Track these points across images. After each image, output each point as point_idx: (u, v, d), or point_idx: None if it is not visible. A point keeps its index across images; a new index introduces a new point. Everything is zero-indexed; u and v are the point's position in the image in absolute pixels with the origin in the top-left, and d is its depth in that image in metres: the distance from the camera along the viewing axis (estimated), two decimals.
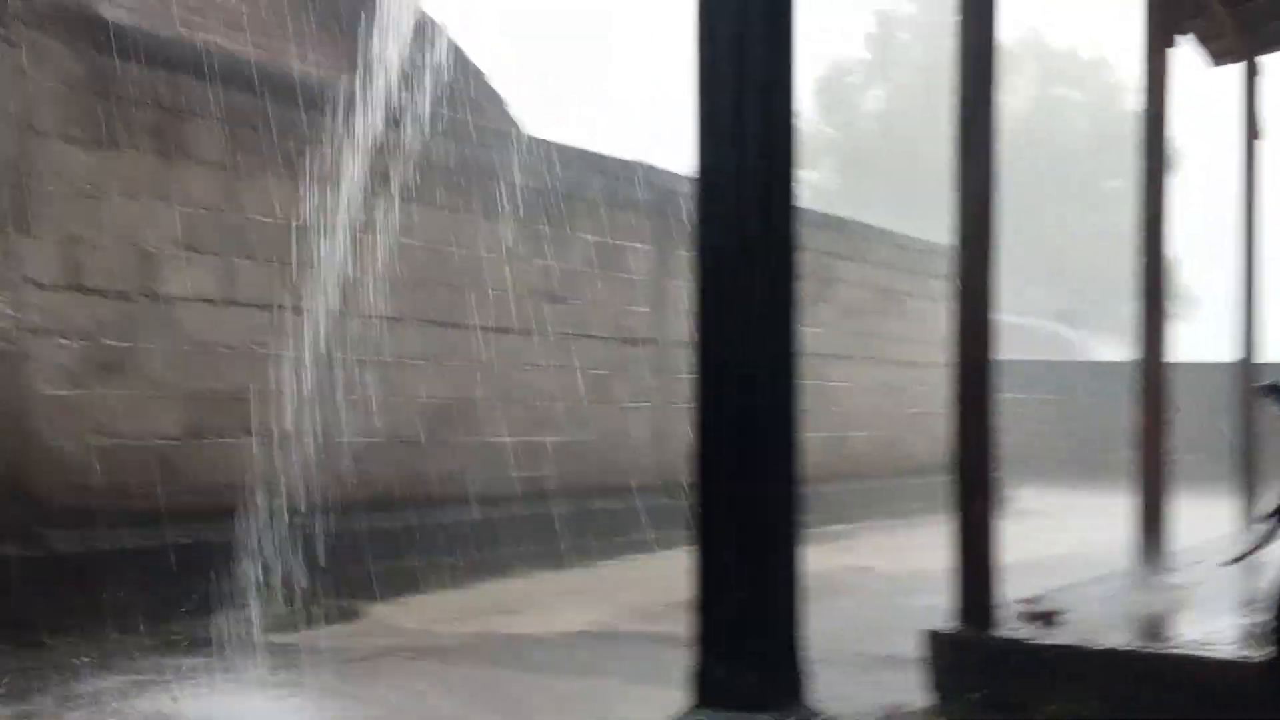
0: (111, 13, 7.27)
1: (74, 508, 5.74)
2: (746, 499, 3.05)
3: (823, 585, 7.05)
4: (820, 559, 7.98)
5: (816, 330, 11.33)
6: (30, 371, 5.64)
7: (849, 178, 35.59)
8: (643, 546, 8.36)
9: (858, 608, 6.78)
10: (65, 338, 5.78)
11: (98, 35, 5.98)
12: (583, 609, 6.58)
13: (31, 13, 5.71)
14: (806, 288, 11.66)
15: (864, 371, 12.24)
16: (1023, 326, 21.91)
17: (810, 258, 11.25)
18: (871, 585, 7.68)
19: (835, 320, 11.71)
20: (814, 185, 35.80)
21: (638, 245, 9.27)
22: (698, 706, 2.72)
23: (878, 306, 12.52)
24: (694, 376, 2.90)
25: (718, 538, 3.06)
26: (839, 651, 5.24)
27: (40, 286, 5.69)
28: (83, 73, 5.91)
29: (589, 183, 8.84)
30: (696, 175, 3.17)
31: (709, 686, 2.89)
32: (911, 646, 4.36)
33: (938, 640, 4.27)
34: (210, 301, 6.44)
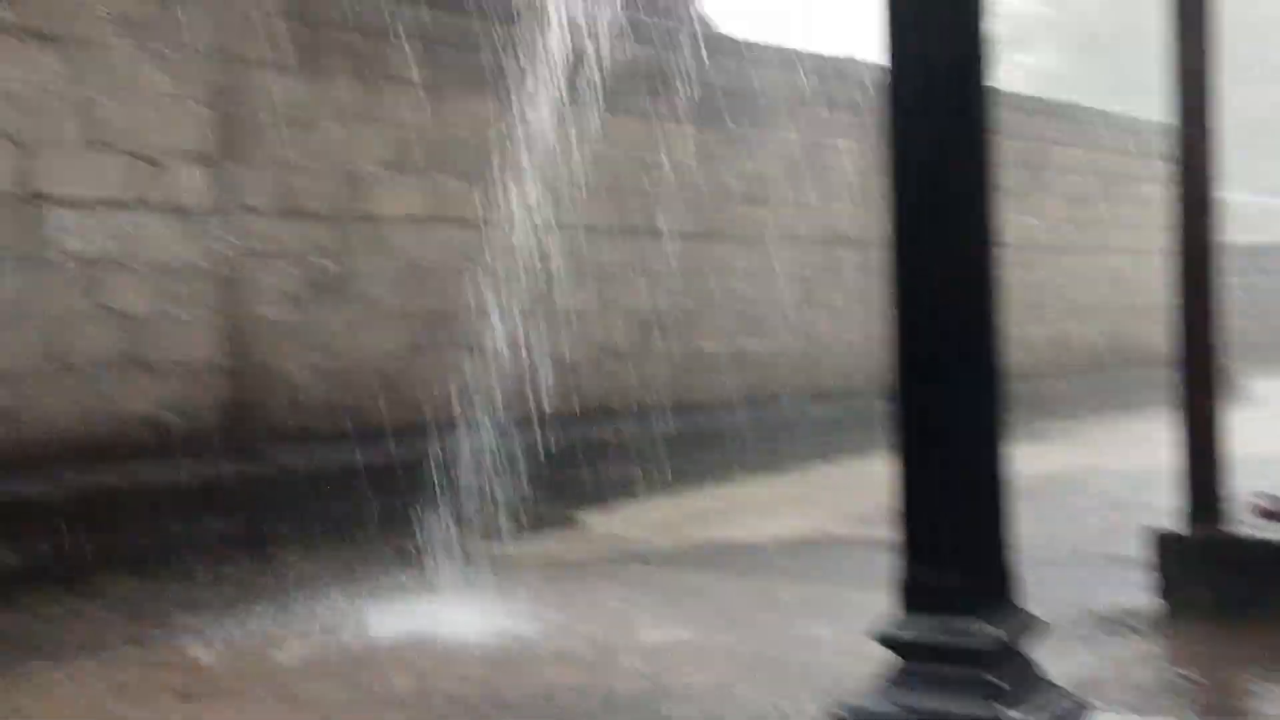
0: None
1: (299, 426, 5.99)
2: (946, 399, 2.95)
3: (1045, 484, 6.91)
4: (1043, 456, 7.83)
5: (1034, 221, 10.95)
6: (252, 296, 5.87)
7: (1069, 58, 34.11)
8: (857, 449, 8.27)
9: (1081, 506, 6.58)
10: (283, 262, 5.99)
11: None
12: (796, 514, 6.56)
13: None
14: (1022, 177, 11.31)
15: (1087, 261, 11.79)
16: (1255, 204, 20.70)
17: (1026, 145, 10.86)
18: (1096, 482, 7.44)
19: (1055, 209, 11.28)
20: (1030, 68, 34.42)
21: (840, 142, 9.07)
22: (907, 611, 2.68)
23: (1100, 192, 12.00)
24: (889, 275, 2.81)
25: (916, 440, 2.97)
26: (1059, 552, 5.11)
27: (257, 213, 5.90)
28: (286, 2, 6.04)
29: (787, 81, 8.66)
30: (885, 67, 3.03)
31: (915, 591, 2.82)
32: (1136, 546, 4.21)
33: (1164, 539, 4.11)
34: (419, 220, 6.57)
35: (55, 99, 5.24)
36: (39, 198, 5.20)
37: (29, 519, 5.02)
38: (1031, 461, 7.47)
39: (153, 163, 5.54)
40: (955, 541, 2.87)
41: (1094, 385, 11.49)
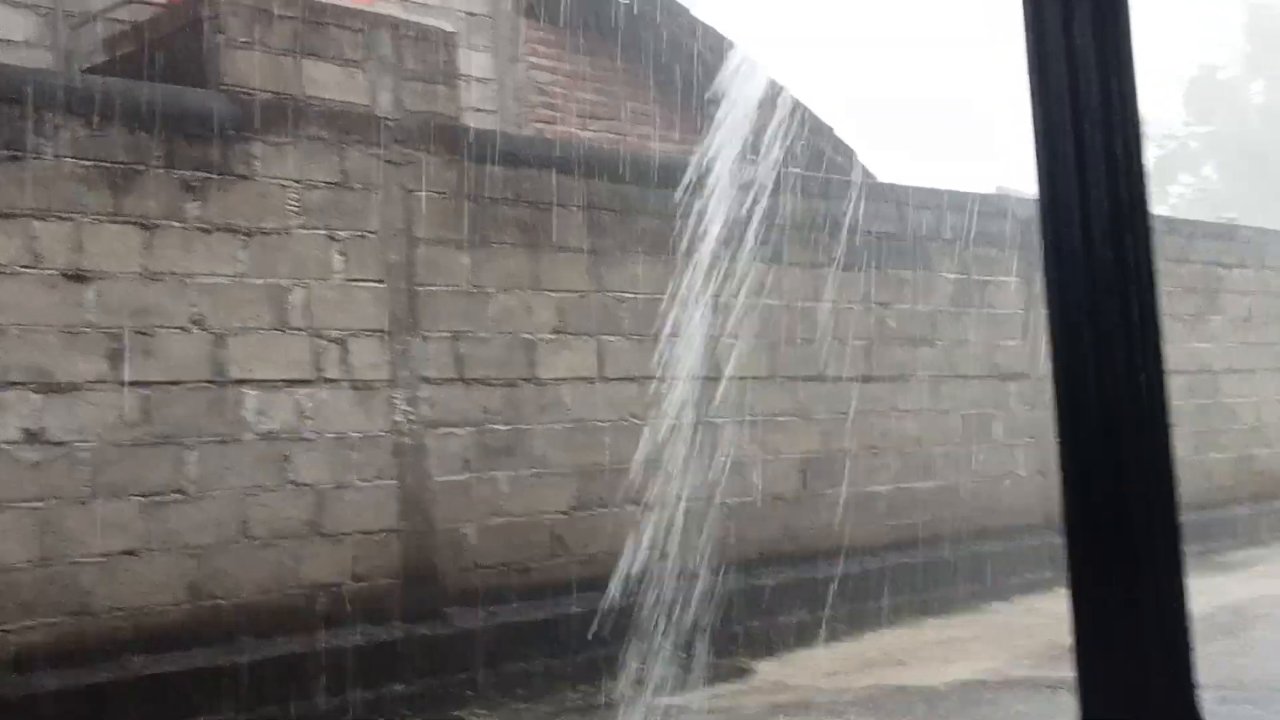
0: (476, 120, 7.82)
1: (474, 586, 6.14)
2: (1119, 536, 2.91)
3: (1235, 617, 6.65)
4: (1232, 587, 7.54)
5: (1208, 345, 10.71)
6: (427, 461, 6.08)
7: (1235, 178, 33.41)
8: (1033, 587, 8.09)
9: (1274, 639, 6.31)
10: (457, 427, 6.21)
11: (465, 143, 6.44)
12: (973, 656, 6.43)
13: (404, 131, 6.21)
14: (1194, 301, 11.11)
15: (1268, 383, 11.43)
16: None
17: (1196, 270, 10.68)
18: None
19: (1230, 332, 11.01)
20: (1196, 190, 33.79)
21: (1002, 278, 9.06)
22: None
23: (1273, 312, 11.68)
24: (1055, 413, 2.82)
25: (1089, 576, 2.93)
26: (1253, 688, 4.91)
27: (432, 382, 6.14)
28: (454, 180, 6.37)
29: (945, 221, 8.73)
30: (1039, 208, 3.07)
31: None
32: None
33: None
34: (587, 379, 6.75)
35: (244, 288, 5.59)
36: (230, 382, 5.51)
37: (215, 689, 5.22)
38: (1217, 593, 7.23)
39: (333, 341, 5.83)
40: (1136, 681, 2.81)
41: (1277, 510, 11.05)
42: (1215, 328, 10.84)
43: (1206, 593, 6.99)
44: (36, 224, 5.13)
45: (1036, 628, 6.90)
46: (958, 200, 8.93)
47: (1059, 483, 2.60)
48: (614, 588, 5.85)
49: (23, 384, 5.02)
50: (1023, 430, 8.96)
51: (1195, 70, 36.22)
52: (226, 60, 5.77)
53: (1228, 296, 11.12)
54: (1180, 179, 36.18)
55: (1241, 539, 10.35)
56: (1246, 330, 11.25)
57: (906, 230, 8.41)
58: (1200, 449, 10.42)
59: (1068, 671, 2.58)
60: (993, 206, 9.16)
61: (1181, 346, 10.16)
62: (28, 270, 5.09)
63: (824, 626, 7.06)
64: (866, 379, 8.04)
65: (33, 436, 5.02)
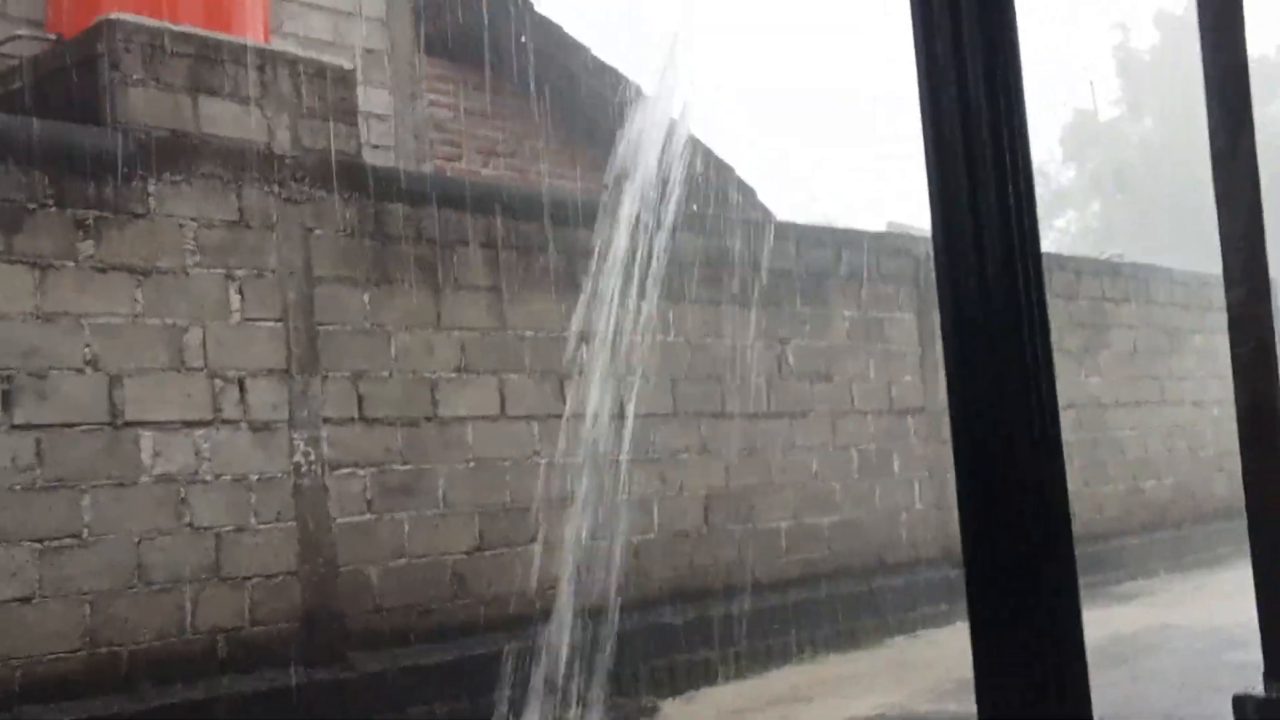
0: (375, 158, 7.79)
1: (376, 628, 6.07)
2: (1016, 568, 2.98)
3: (1126, 646, 6.81)
4: (1123, 617, 7.72)
5: (1097, 379, 10.97)
6: (328, 502, 6.02)
7: (1116, 215, 34.39)
8: (932, 621, 8.21)
9: (1163, 668, 6.47)
10: (358, 467, 6.15)
11: (364, 181, 6.41)
12: (876, 690, 6.50)
13: (302, 168, 6.17)
14: (1082, 336, 11.36)
15: (1154, 415, 11.74)
16: None
17: (1084, 305, 10.95)
18: (1177, 643, 7.32)
19: (1117, 366, 11.31)
20: (1080, 227, 34.67)
21: (897, 314, 9.22)
22: None
23: (1162, 347, 12.03)
24: (953, 447, 2.88)
25: (989, 611, 3.00)
26: (1141, 716, 5.03)
27: (332, 422, 6.08)
28: (354, 218, 6.33)
29: (841, 259, 8.87)
30: (935, 249, 3.14)
31: None
32: (1219, 709, 4.15)
33: (1246, 704, 4.04)
34: (489, 418, 6.73)
35: (140, 328, 5.50)
36: (126, 424, 5.41)
37: None
38: (1109, 622, 7.39)
39: (231, 381, 5.76)
40: (1035, 713, 2.88)
41: (1167, 541, 11.34)
42: (1103, 362, 11.12)
43: (1100, 623, 7.14)
44: None
45: (937, 661, 7.00)
46: (853, 238, 9.09)
47: (957, 516, 2.65)
48: (516, 628, 5.83)
49: None
50: (920, 464, 9.10)
51: (1070, 115, 37.49)
52: (121, 97, 5.70)
53: (1115, 331, 11.42)
54: (1065, 214, 37.20)
55: (1132, 569, 10.60)
56: (1133, 364, 11.56)
57: (803, 268, 8.53)
58: (1090, 482, 10.67)
59: (970, 705, 2.63)
60: (887, 244, 9.33)
61: (1071, 380, 10.40)
62: None
63: (728, 663, 7.10)
64: (766, 415, 8.12)
65: None
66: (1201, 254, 13.42)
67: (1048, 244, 30.72)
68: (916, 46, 2.80)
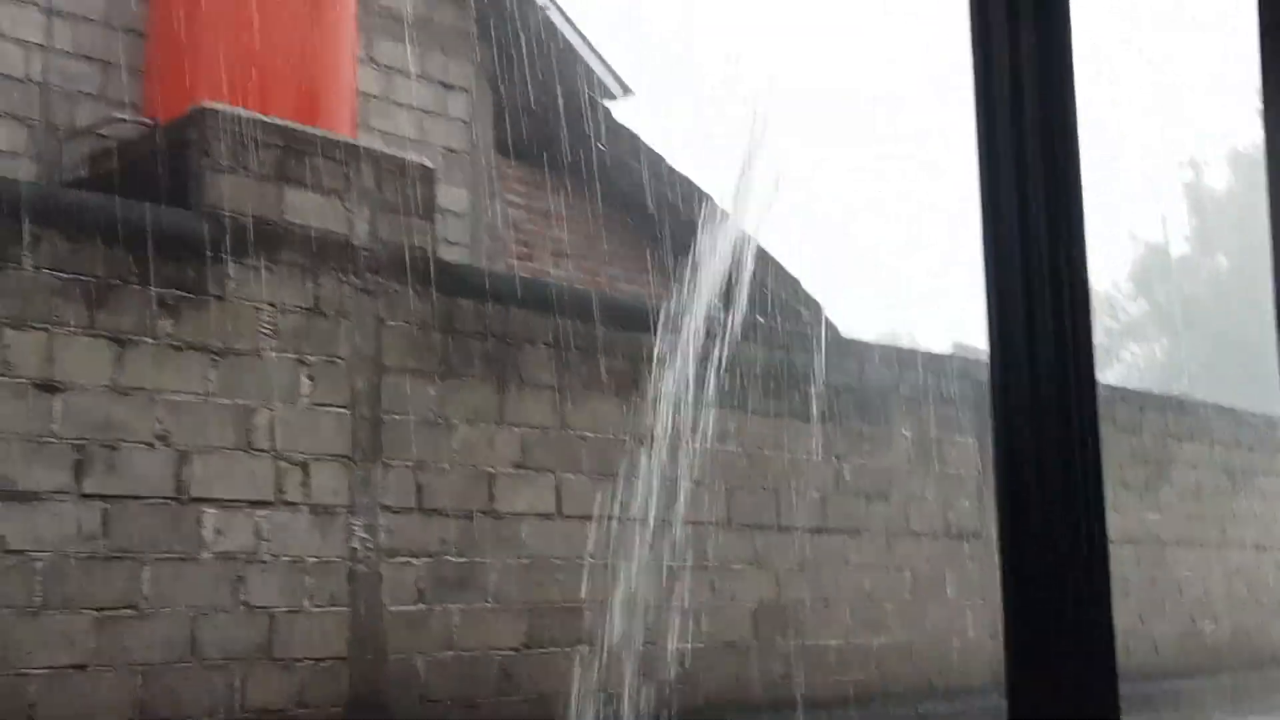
0: (450, 253, 7.97)
1: (421, 719, 6.08)
2: (1060, 699, 2.99)
3: None
4: None
5: (1156, 516, 10.85)
6: (381, 590, 6.07)
7: (1182, 352, 34.13)
8: None
9: None
10: (413, 557, 6.22)
11: (438, 276, 6.56)
12: None
13: (379, 261, 6.33)
14: (1144, 471, 11.20)
15: (1214, 556, 11.56)
16: None
17: (1146, 440, 10.87)
18: None
19: (1179, 503, 11.17)
20: (1146, 361, 34.43)
21: (958, 437, 9.21)
22: None
23: (1225, 487, 11.88)
24: (1001, 575, 2.91)
25: None
26: None
27: (391, 510, 6.17)
28: (425, 311, 6.47)
29: (904, 378, 8.90)
30: (990, 372, 3.19)
31: None
32: None
33: None
34: (545, 516, 6.78)
35: (211, 407, 5.64)
36: (191, 500, 5.53)
37: None
38: None
39: (296, 464, 5.86)
40: None
41: (1223, 685, 11.09)
42: (1164, 498, 11.00)
43: None
44: (10, 332, 5.18)
45: None
46: (917, 359, 9.12)
47: (1003, 642, 2.67)
48: None
49: None
50: (974, 590, 9.02)
51: (1141, 249, 37.47)
52: (209, 182, 5.90)
53: (1177, 468, 11.30)
54: (1130, 348, 37.00)
55: (1186, 712, 10.37)
56: (1195, 503, 11.42)
57: (866, 385, 8.57)
58: (1147, 619, 10.49)
59: None
60: (950, 366, 9.35)
61: (1131, 516, 10.30)
62: None
63: None
64: (821, 530, 8.11)
65: None
66: (1269, 395, 13.31)
67: (1114, 377, 30.57)
68: (980, 167, 2.88)
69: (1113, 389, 11.45)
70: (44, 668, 5.06)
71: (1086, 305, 3.08)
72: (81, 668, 5.16)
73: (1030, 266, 3.20)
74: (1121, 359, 36.19)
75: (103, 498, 5.31)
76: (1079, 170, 2.89)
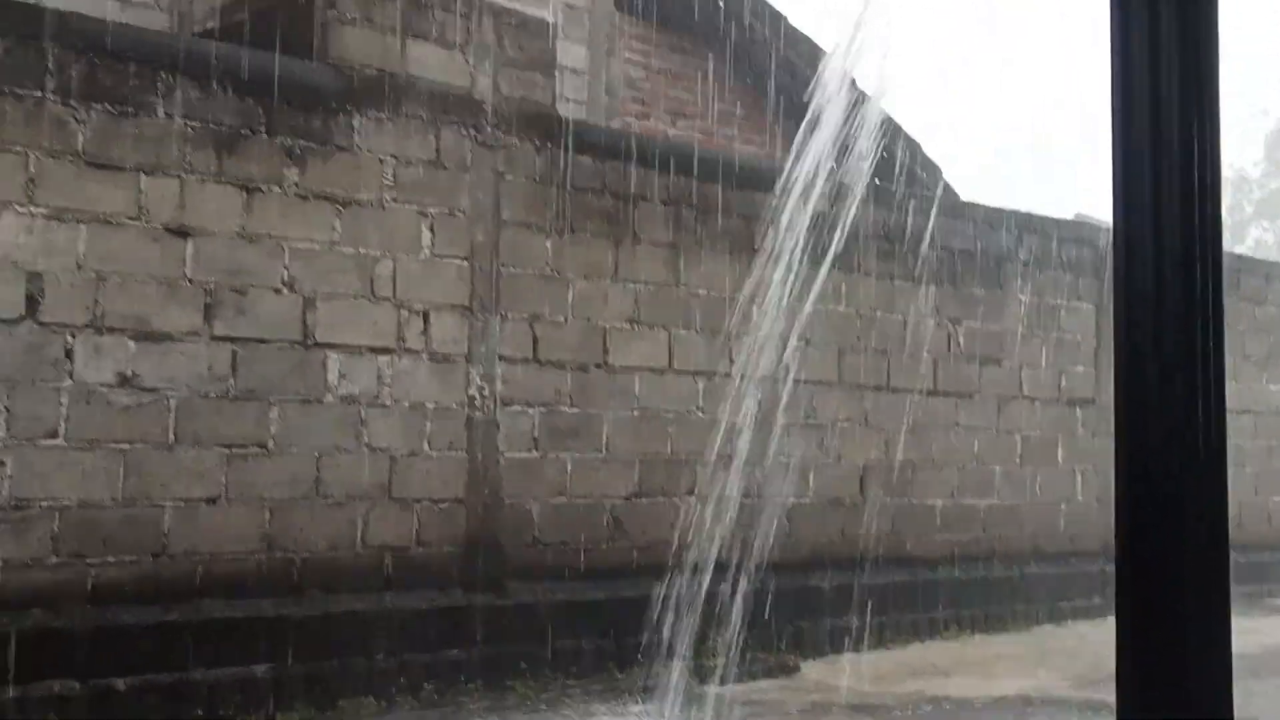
0: (568, 110, 7.97)
1: (533, 562, 6.30)
2: (1168, 568, 3.02)
3: (1277, 660, 6.65)
4: (1278, 630, 7.50)
5: (1277, 388, 10.64)
6: (498, 438, 6.25)
7: None
8: (1085, 613, 8.13)
9: None
10: (528, 406, 6.37)
11: (556, 132, 6.59)
12: (1017, 673, 6.51)
13: (499, 115, 6.37)
14: (1267, 342, 10.93)
15: None
16: None
17: (1273, 311, 10.62)
18: None
19: None
20: (1277, 236, 33.37)
21: (1076, 303, 9.09)
22: None
23: None
24: (1115, 441, 2.91)
25: (1137, 606, 3.05)
26: None
27: (507, 360, 6.31)
28: (544, 167, 6.52)
29: (1022, 243, 8.78)
30: (1115, 237, 3.17)
31: None
32: None
33: None
34: (656, 370, 6.88)
35: (336, 256, 5.78)
36: (316, 345, 5.71)
37: (282, 638, 5.43)
38: (1261, 633, 7.23)
39: (416, 313, 6.01)
40: (1174, 712, 2.92)
41: None
42: None
43: (1254, 633, 7.01)
44: (144, 179, 5.34)
45: (1083, 651, 6.95)
46: (1036, 224, 8.97)
47: (1114, 509, 2.70)
48: (668, 575, 5.99)
49: (120, 330, 5.23)
50: (1085, 456, 8.99)
51: (1276, 123, 35.90)
52: (334, 35, 5.96)
53: None
54: (1260, 225, 35.78)
55: None
56: None
57: (983, 249, 8.47)
58: (1261, 490, 10.37)
59: (1109, 695, 2.68)
60: (1071, 232, 9.19)
61: (1251, 386, 10.12)
62: (132, 222, 5.30)
63: (872, 633, 7.16)
64: (932, 393, 8.12)
65: (125, 381, 5.23)
66: None
67: (1244, 251, 29.65)
68: (1112, 36, 2.82)
69: (1239, 258, 11.16)
70: (177, 499, 5.32)
71: (1217, 172, 3.02)
72: (212, 501, 5.41)
73: (1160, 132, 3.13)
74: (1251, 236, 35.03)
75: (232, 340, 5.50)
76: (1216, 32, 2.80)
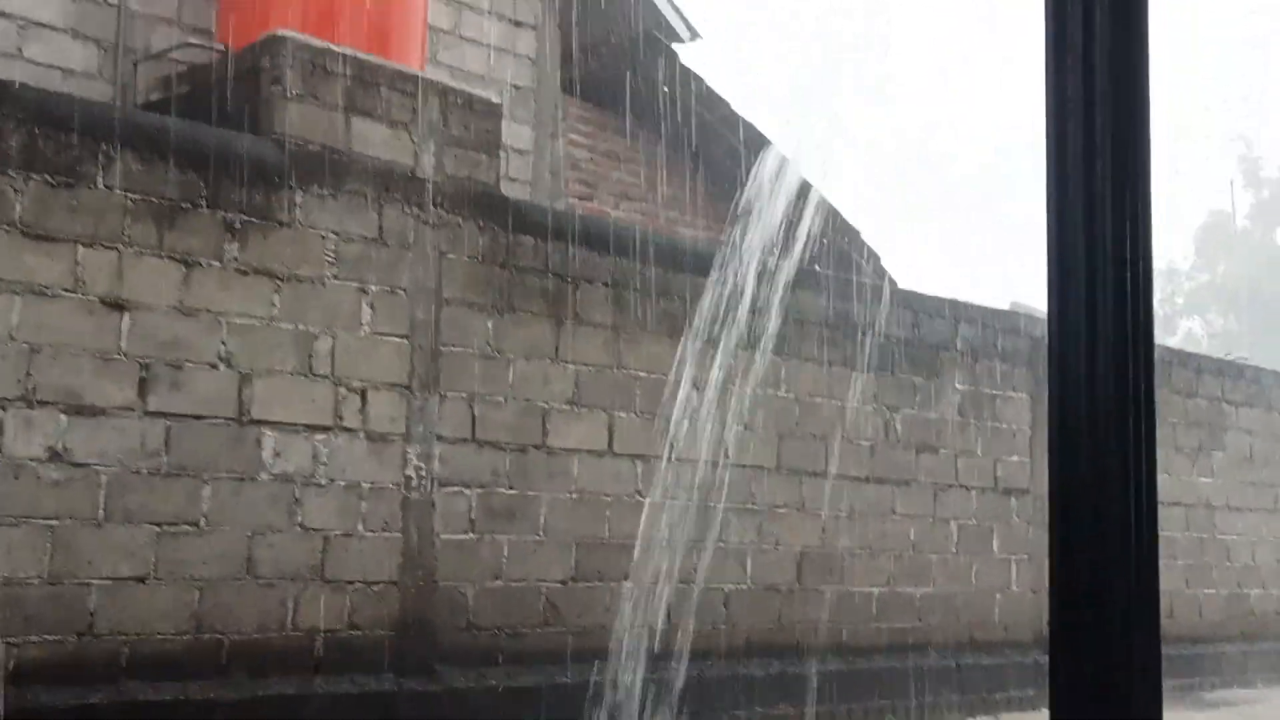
0: (512, 190, 8.01)
1: (467, 645, 6.22)
2: (1101, 656, 3.03)
3: None
4: None
5: (1208, 480, 10.79)
6: (434, 518, 6.19)
7: (1243, 322, 33.67)
8: (1017, 704, 8.13)
9: None
10: (465, 487, 6.32)
11: (500, 211, 6.61)
12: None
13: (443, 194, 6.39)
14: (1198, 435, 11.13)
15: (1265, 523, 11.49)
16: None
17: (1202, 404, 10.79)
18: None
19: (1231, 469, 11.10)
20: (1206, 331, 34.04)
21: (1010, 394, 9.19)
22: None
23: (1276, 454, 11.78)
24: (1050, 528, 2.93)
25: (1070, 696, 3.05)
26: None
27: (446, 440, 6.26)
28: (487, 246, 6.53)
29: (959, 332, 8.88)
30: (1050, 328, 3.21)
31: None
32: None
33: None
34: (595, 453, 6.86)
35: (274, 331, 5.74)
36: (252, 421, 5.64)
37: None
38: None
39: (354, 391, 5.97)
40: None
41: (1268, 653, 11.06)
42: (1217, 463, 10.93)
43: None
44: (82, 250, 5.29)
45: None
46: (974, 313, 9.09)
47: (1048, 599, 2.71)
48: (602, 661, 5.94)
49: (52, 403, 5.15)
50: (1020, 546, 9.04)
51: (1206, 216, 36.93)
52: (279, 110, 5.96)
53: (1231, 434, 11.21)
54: (1191, 318, 36.55)
55: (1228, 677, 10.37)
56: (1247, 469, 11.34)
57: (920, 337, 8.56)
58: (1193, 583, 10.47)
59: None
60: (1007, 323, 9.31)
61: (1182, 479, 10.25)
62: (68, 294, 5.24)
63: None
64: (869, 480, 8.15)
65: (56, 455, 5.14)
66: None
67: (1173, 344, 30.25)
68: (1048, 134, 2.89)
69: (1171, 351, 11.36)
70: (105, 578, 5.21)
71: (1148, 267, 3.07)
72: (141, 579, 5.31)
73: (1093, 223, 3.19)
74: (1181, 329, 35.74)
75: (166, 415, 5.43)
76: (1148, 131, 2.87)
